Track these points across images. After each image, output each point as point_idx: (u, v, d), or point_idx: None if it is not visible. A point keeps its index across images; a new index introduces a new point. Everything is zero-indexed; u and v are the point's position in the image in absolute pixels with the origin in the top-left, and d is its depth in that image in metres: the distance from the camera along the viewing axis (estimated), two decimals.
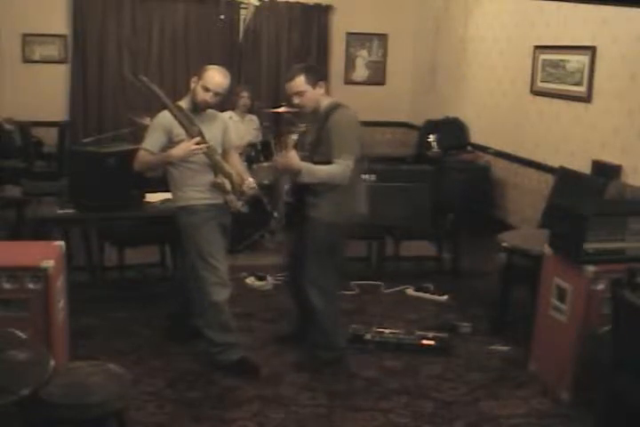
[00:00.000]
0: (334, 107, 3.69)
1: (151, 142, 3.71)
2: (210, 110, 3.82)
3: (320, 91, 3.68)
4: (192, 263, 3.75)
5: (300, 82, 3.63)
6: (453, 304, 4.92)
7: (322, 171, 3.56)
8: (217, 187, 3.71)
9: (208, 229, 3.71)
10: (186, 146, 3.59)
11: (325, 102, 3.73)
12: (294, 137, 3.53)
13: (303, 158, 3.60)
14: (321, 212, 3.69)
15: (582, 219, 3.43)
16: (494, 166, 6.76)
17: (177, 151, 3.60)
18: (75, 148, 6.08)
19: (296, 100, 3.68)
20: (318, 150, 3.66)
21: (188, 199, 3.73)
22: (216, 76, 3.67)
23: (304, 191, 3.73)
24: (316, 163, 3.61)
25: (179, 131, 3.64)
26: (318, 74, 3.75)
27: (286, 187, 3.96)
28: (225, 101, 4.38)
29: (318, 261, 3.74)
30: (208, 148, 3.63)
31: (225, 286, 3.74)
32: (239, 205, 3.80)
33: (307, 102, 3.67)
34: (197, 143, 3.58)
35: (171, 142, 3.67)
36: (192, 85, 3.71)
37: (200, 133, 3.63)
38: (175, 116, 3.60)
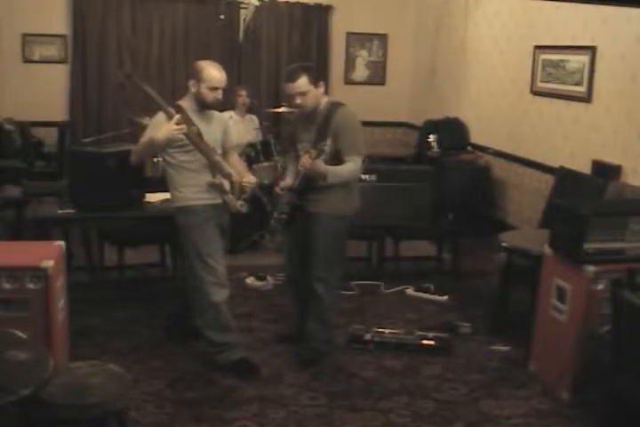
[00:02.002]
0: (335, 106, 3.74)
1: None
2: (209, 111, 3.81)
3: (321, 90, 3.73)
4: (190, 264, 3.75)
5: (303, 82, 3.65)
6: (453, 304, 4.92)
7: (344, 171, 3.69)
8: (215, 187, 3.71)
9: (206, 230, 3.71)
10: (167, 127, 3.52)
11: (324, 101, 3.76)
12: (328, 142, 3.54)
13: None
14: (329, 206, 3.76)
15: (582, 219, 3.43)
16: (494, 166, 6.76)
17: (160, 134, 3.53)
18: (75, 148, 6.06)
19: (298, 101, 3.70)
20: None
21: (186, 200, 3.72)
22: (216, 73, 3.66)
23: (307, 190, 3.76)
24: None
25: None
26: (317, 73, 3.80)
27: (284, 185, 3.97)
28: (225, 101, 4.38)
29: (326, 255, 3.80)
30: (194, 133, 3.59)
31: (223, 286, 3.74)
32: (238, 205, 3.80)
33: (309, 102, 3.69)
34: (178, 123, 3.50)
35: (170, 142, 3.64)
36: (192, 89, 3.68)
37: (199, 133, 3.62)
38: (166, 112, 3.57)
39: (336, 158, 3.67)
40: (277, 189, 3.95)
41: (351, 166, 3.69)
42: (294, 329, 4.16)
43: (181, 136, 3.56)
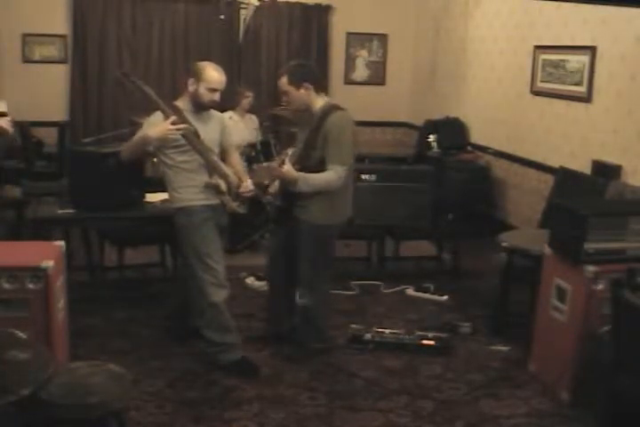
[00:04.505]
0: (330, 109, 3.69)
1: None
2: (207, 110, 3.79)
3: (305, 92, 3.68)
4: (190, 264, 3.74)
5: (282, 82, 3.69)
6: (453, 304, 4.92)
7: (318, 179, 3.64)
8: (211, 188, 3.71)
9: (205, 230, 3.71)
10: (162, 126, 3.51)
11: (320, 104, 3.73)
12: (289, 151, 3.61)
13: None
14: (311, 214, 3.74)
15: (582, 219, 3.43)
16: (494, 166, 6.76)
17: (153, 132, 3.54)
18: (75, 148, 6.06)
19: (284, 98, 3.78)
20: (310, 153, 3.68)
21: (184, 200, 3.72)
22: (216, 75, 3.66)
23: (293, 194, 3.73)
24: (306, 166, 3.64)
25: None
26: (305, 75, 3.70)
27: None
28: (226, 101, 4.38)
29: (310, 262, 3.80)
30: (191, 133, 3.58)
31: (222, 286, 3.74)
32: (235, 205, 3.80)
33: (291, 101, 3.73)
34: (174, 123, 3.50)
35: (163, 142, 3.64)
36: (190, 88, 3.67)
37: (196, 133, 3.61)
38: (163, 111, 3.57)
39: (322, 165, 3.64)
40: (268, 191, 3.97)
41: (328, 176, 3.62)
42: (286, 328, 4.13)
43: (176, 136, 3.56)
